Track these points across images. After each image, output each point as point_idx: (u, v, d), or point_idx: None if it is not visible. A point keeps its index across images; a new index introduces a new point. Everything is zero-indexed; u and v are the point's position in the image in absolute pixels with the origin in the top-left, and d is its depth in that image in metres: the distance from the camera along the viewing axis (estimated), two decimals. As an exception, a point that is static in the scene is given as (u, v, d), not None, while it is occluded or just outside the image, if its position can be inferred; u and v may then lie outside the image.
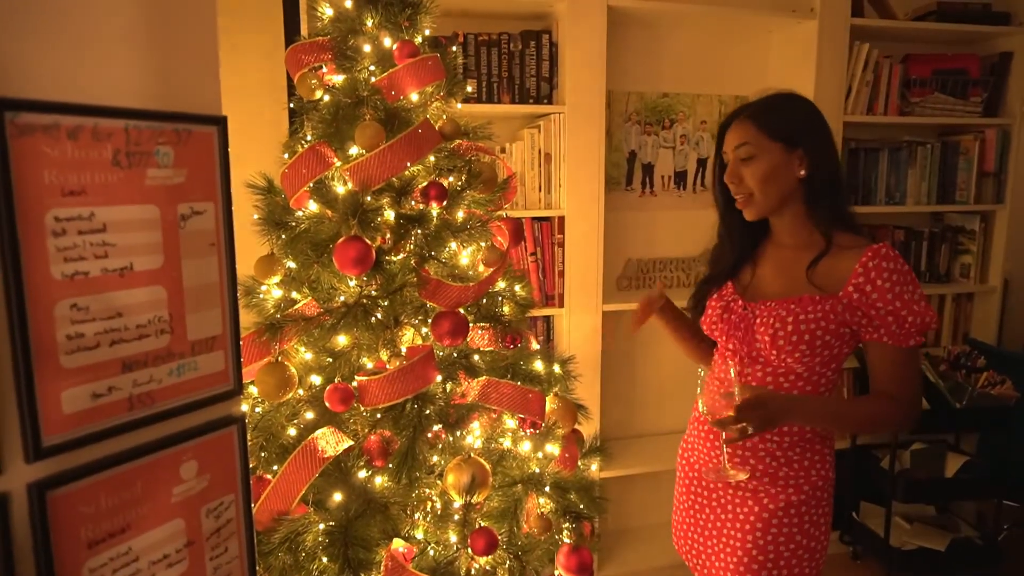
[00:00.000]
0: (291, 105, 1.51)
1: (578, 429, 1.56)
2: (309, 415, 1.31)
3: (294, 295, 1.40)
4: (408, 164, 1.28)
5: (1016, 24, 2.66)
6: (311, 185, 1.32)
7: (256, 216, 1.42)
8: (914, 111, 2.67)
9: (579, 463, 1.51)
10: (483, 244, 1.44)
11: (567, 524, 1.35)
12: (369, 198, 1.27)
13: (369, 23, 1.38)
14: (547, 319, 2.48)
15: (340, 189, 1.31)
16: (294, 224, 1.38)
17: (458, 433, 1.34)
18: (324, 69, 1.42)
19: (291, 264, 1.39)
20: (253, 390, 1.31)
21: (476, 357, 1.41)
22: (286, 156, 1.43)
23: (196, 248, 0.75)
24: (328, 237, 1.27)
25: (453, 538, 1.27)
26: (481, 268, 1.44)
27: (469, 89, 1.58)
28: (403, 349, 1.33)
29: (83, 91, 0.65)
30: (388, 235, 1.31)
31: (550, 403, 1.46)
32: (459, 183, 1.39)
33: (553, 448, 1.45)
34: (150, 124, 0.69)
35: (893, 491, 2.46)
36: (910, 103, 2.67)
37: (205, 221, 0.76)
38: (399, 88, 1.34)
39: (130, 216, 0.68)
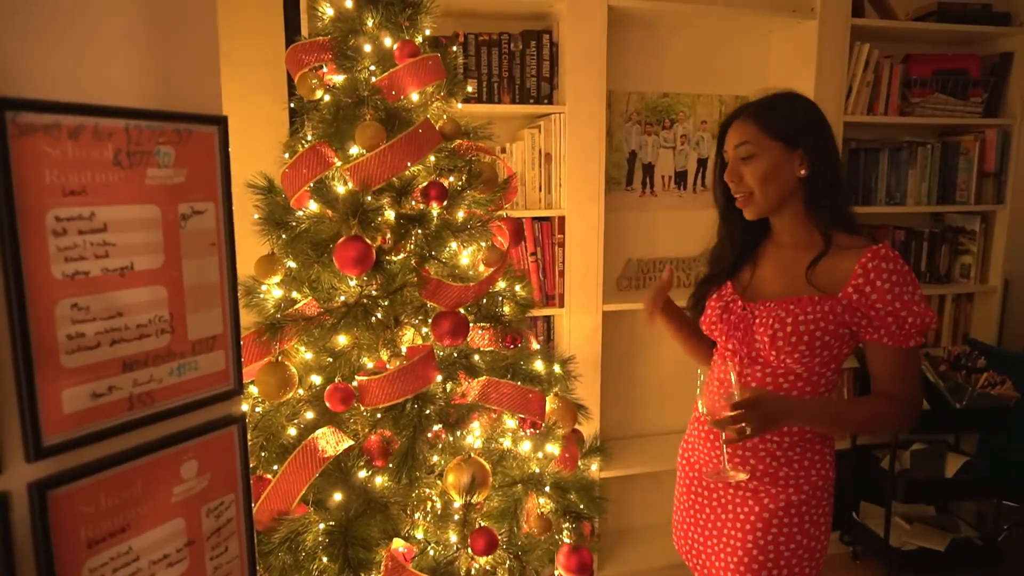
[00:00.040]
0: (291, 105, 1.51)
1: (578, 429, 1.56)
2: (309, 415, 1.31)
3: (294, 295, 1.40)
4: (408, 164, 1.28)
5: (1016, 24, 2.66)
6: (311, 185, 1.32)
7: (256, 216, 1.42)
8: (914, 111, 2.67)
9: (579, 463, 1.51)
10: (483, 244, 1.44)
11: (567, 524, 1.35)
12: (369, 198, 1.27)
13: (370, 23, 1.38)
14: (547, 319, 2.48)
15: (340, 189, 1.31)
16: (294, 224, 1.38)
17: (458, 433, 1.34)
18: (324, 69, 1.42)
19: (291, 264, 1.39)
20: (253, 390, 1.31)
21: (476, 357, 1.41)
22: (286, 156, 1.43)
23: (197, 248, 0.75)
24: (328, 237, 1.27)
25: (453, 538, 1.27)
26: (481, 268, 1.44)
27: (469, 89, 1.59)
28: (403, 349, 1.33)
29: (84, 91, 0.65)
30: (388, 235, 1.31)
31: (550, 403, 1.46)
32: (459, 183, 1.39)
33: (553, 448, 1.45)
34: (151, 124, 0.69)
35: (893, 491, 2.46)
36: (910, 103, 2.67)
37: (205, 221, 0.76)
38: (399, 88, 1.34)
39: (131, 216, 0.68)
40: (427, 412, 1.28)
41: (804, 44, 2.52)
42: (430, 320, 1.30)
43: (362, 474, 1.26)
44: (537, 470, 1.39)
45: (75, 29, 0.64)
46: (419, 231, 1.31)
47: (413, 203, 1.35)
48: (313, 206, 1.37)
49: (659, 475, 2.64)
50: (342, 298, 1.31)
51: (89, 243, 0.64)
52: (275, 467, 1.29)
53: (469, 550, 1.22)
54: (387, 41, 1.38)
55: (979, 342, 2.78)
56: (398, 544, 1.23)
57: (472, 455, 1.28)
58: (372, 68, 1.38)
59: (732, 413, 1.16)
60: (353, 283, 1.30)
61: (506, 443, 1.41)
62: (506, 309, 1.49)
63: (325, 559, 1.17)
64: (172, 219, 0.72)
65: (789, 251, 1.34)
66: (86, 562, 0.66)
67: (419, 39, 1.41)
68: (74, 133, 0.63)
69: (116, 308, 0.67)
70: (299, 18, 2.07)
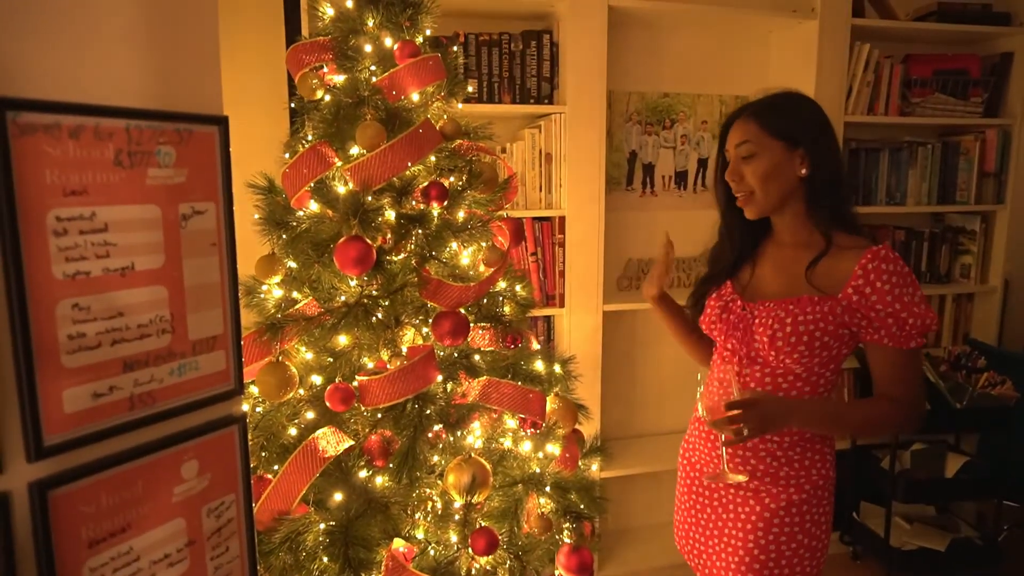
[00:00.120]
0: (292, 105, 1.51)
1: (579, 429, 1.56)
2: (310, 415, 1.31)
3: (295, 295, 1.40)
4: (409, 164, 1.28)
5: (1016, 24, 2.66)
6: (312, 185, 1.32)
7: (257, 216, 1.42)
8: (915, 111, 2.67)
9: (579, 463, 1.51)
10: (484, 244, 1.44)
11: (567, 524, 1.35)
12: (370, 198, 1.27)
13: (370, 23, 1.38)
14: (548, 319, 2.48)
15: (341, 189, 1.31)
16: (295, 224, 1.38)
17: (459, 433, 1.34)
18: (325, 69, 1.42)
19: (292, 264, 1.39)
20: (254, 390, 1.31)
21: (477, 357, 1.41)
22: (287, 156, 1.43)
23: (197, 248, 0.75)
24: (329, 237, 1.27)
25: (454, 538, 1.27)
26: (482, 268, 1.44)
27: (470, 89, 1.59)
28: (404, 349, 1.33)
29: (84, 91, 0.65)
30: (389, 235, 1.31)
31: (551, 403, 1.46)
32: (460, 183, 1.39)
33: (554, 448, 1.45)
34: (151, 124, 0.69)
35: (893, 491, 2.46)
36: (911, 103, 2.67)
37: (206, 221, 0.76)
38: (400, 88, 1.34)
39: (131, 216, 0.68)
40: (428, 412, 1.28)
41: (804, 44, 2.52)
42: (430, 320, 1.30)
43: (363, 474, 1.26)
44: (538, 470, 1.39)
45: (75, 29, 0.64)
46: (419, 231, 1.31)
47: (413, 203, 1.35)
48: (313, 206, 1.37)
49: (659, 475, 2.64)
50: (342, 298, 1.31)
51: (90, 243, 0.64)
52: (276, 467, 1.29)
53: (469, 550, 1.22)
54: (388, 41, 1.38)
55: (979, 342, 2.78)
56: (399, 544, 1.23)
57: (472, 455, 1.28)
58: (373, 68, 1.38)
59: (730, 413, 1.16)
60: (353, 283, 1.30)
61: (506, 443, 1.41)
62: (506, 309, 1.49)
63: (326, 559, 1.17)
64: (173, 219, 0.72)
65: (789, 251, 1.34)
66: (87, 562, 0.66)
67: (419, 39, 1.41)
68: (75, 133, 0.63)
69: (117, 308, 0.67)
70: (299, 18, 2.07)
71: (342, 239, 1.21)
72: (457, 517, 1.28)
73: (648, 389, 2.79)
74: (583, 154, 2.34)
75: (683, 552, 1.50)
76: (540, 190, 2.38)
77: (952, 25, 2.59)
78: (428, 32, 1.44)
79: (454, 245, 1.38)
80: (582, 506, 1.39)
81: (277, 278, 1.42)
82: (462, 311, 1.31)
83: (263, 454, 1.34)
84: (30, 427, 0.61)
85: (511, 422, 1.43)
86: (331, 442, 1.22)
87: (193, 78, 0.75)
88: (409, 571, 1.16)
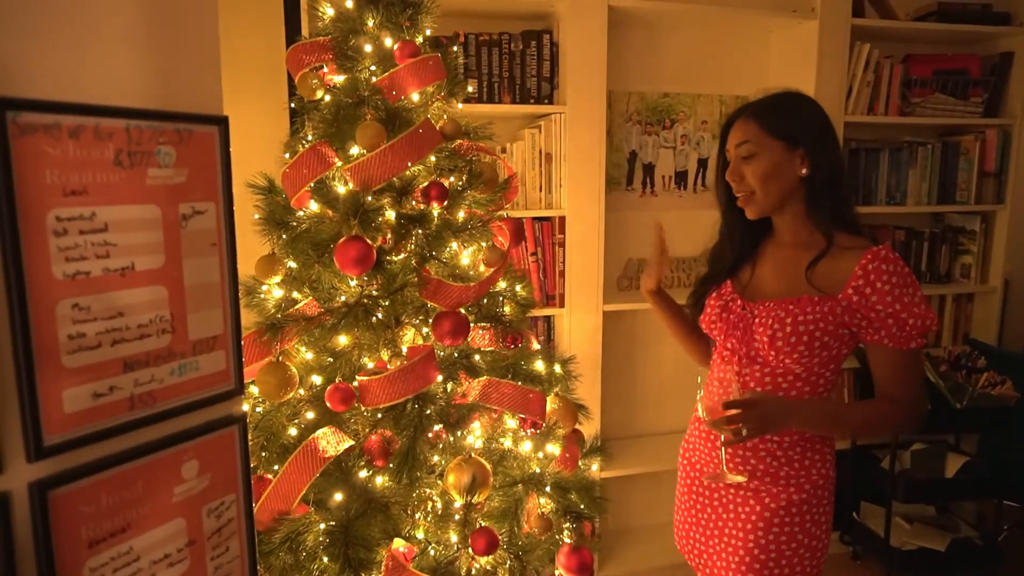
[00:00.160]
0: (292, 105, 1.51)
1: (579, 429, 1.56)
2: (310, 415, 1.31)
3: (295, 295, 1.40)
4: (409, 164, 1.28)
5: (1016, 24, 2.66)
6: (312, 185, 1.32)
7: (257, 216, 1.42)
8: (915, 111, 2.67)
9: (580, 463, 1.51)
10: (484, 244, 1.44)
11: (567, 524, 1.35)
12: (370, 198, 1.27)
13: (370, 23, 1.38)
14: (548, 319, 2.48)
15: (341, 189, 1.31)
16: (295, 224, 1.38)
17: (459, 433, 1.34)
18: (325, 69, 1.42)
19: (292, 264, 1.39)
20: (254, 390, 1.31)
21: (477, 357, 1.41)
22: (287, 156, 1.43)
23: (197, 248, 0.75)
24: (329, 237, 1.27)
25: (454, 538, 1.27)
26: (482, 268, 1.44)
27: (470, 89, 1.59)
28: (404, 349, 1.33)
29: (84, 91, 0.65)
30: (389, 235, 1.31)
31: (551, 403, 1.46)
32: (460, 183, 1.39)
33: (554, 448, 1.45)
34: (151, 124, 0.69)
35: (893, 491, 2.46)
36: (911, 103, 2.67)
37: (206, 221, 0.76)
38: (400, 88, 1.34)
39: (131, 216, 0.68)
40: (428, 412, 1.28)
41: (804, 44, 2.52)
42: (431, 320, 1.30)
43: (363, 474, 1.26)
44: (538, 470, 1.39)
45: (75, 29, 0.64)
46: (420, 231, 1.31)
47: (414, 203, 1.35)
48: (314, 206, 1.37)
49: (659, 475, 2.64)
50: (343, 298, 1.31)
51: (90, 243, 0.64)
52: (276, 467, 1.29)
53: (470, 550, 1.22)
54: (388, 41, 1.38)
55: (979, 342, 2.78)
56: (399, 544, 1.23)
57: (473, 455, 1.28)
58: (373, 68, 1.38)
59: (729, 413, 1.16)
60: (354, 283, 1.30)
61: (507, 443, 1.41)
62: (507, 309, 1.49)
63: (326, 559, 1.17)
64: (173, 219, 0.72)
65: (789, 251, 1.34)
66: (87, 562, 0.66)
67: (419, 39, 1.41)
68: (75, 133, 0.63)
69: (117, 308, 0.67)
70: (299, 18, 2.07)
71: (342, 239, 1.21)
72: (457, 517, 1.28)
73: (648, 389, 2.79)
74: (583, 154, 2.34)
75: (683, 552, 1.50)
76: (540, 190, 2.38)
77: (952, 25, 2.59)
78: (428, 32, 1.44)
79: (454, 245, 1.38)
80: (582, 506, 1.39)
81: (277, 278, 1.42)
82: (462, 311, 1.31)
83: (263, 454, 1.34)
84: (30, 427, 0.61)
85: (511, 422, 1.43)
86: (331, 442, 1.22)
87: (193, 78, 0.75)
88: (409, 571, 1.16)
